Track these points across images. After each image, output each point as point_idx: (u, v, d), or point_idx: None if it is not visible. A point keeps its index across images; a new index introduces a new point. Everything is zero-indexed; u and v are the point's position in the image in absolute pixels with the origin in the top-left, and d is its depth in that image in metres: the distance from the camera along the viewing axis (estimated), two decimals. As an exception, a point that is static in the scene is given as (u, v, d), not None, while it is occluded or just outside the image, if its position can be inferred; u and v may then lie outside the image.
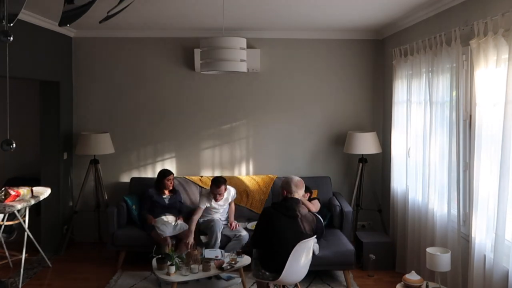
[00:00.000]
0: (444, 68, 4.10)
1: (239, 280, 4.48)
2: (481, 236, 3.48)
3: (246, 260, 4.38)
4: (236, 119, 6.13)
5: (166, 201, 5.39)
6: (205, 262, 4.17)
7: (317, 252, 4.58)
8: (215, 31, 5.63)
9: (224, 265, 4.22)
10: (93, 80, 6.09)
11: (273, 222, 3.79)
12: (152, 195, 5.37)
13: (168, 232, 5.04)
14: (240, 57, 3.80)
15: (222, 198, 5.17)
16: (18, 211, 4.85)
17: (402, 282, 3.90)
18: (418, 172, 4.71)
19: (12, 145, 2.26)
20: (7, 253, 5.19)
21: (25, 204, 4.58)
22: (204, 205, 5.16)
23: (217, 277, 4.52)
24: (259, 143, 6.15)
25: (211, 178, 5.83)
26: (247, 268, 4.41)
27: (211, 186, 5.15)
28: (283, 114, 6.12)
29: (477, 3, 3.68)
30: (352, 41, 6.07)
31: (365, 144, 5.63)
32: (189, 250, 4.33)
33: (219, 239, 4.92)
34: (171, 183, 5.43)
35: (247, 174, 6.14)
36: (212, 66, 3.79)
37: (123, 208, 5.38)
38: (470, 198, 3.67)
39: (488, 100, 3.38)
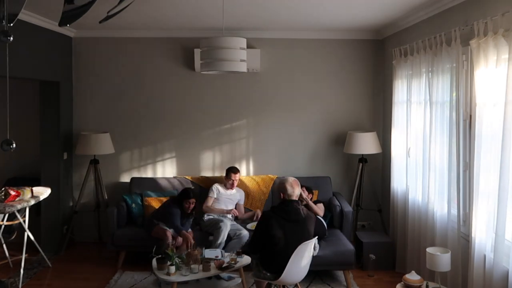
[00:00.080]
0: (444, 68, 4.10)
1: (239, 280, 4.47)
2: (481, 236, 3.48)
3: (246, 260, 4.38)
4: (236, 119, 6.13)
5: (185, 223, 5.14)
6: (205, 262, 4.17)
7: (316, 252, 4.58)
8: (215, 31, 5.63)
9: (224, 265, 4.22)
10: (93, 80, 6.09)
11: (272, 226, 3.76)
12: (177, 213, 5.04)
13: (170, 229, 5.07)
14: (240, 57, 3.80)
15: (234, 189, 5.53)
16: (18, 211, 4.85)
17: (402, 282, 3.89)
18: (418, 172, 4.71)
19: (12, 145, 2.26)
20: (7, 253, 5.19)
21: (25, 204, 4.58)
22: (214, 194, 5.48)
23: (217, 277, 4.51)
24: (259, 143, 6.15)
25: (211, 178, 5.89)
26: (247, 268, 4.41)
27: (226, 173, 5.54)
28: (283, 114, 6.12)
29: (477, 3, 3.68)
30: (352, 41, 6.07)
31: (365, 144, 5.63)
32: (189, 250, 4.32)
33: (224, 242, 4.94)
34: (189, 207, 5.07)
35: (247, 174, 6.14)
36: (212, 66, 3.79)
37: (123, 208, 5.38)
38: (470, 198, 3.67)
39: (488, 100, 3.38)
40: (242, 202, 5.61)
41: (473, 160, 3.55)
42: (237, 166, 6.04)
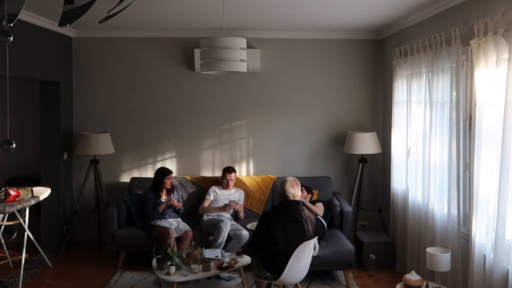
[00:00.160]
0: (444, 68, 4.10)
1: (239, 280, 4.47)
2: (481, 236, 3.48)
3: (246, 260, 4.38)
4: (236, 119, 6.13)
5: (165, 204, 5.34)
6: (205, 262, 4.17)
7: (316, 252, 4.58)
8: (215, 31, 5.63)
9: (224, 265, 4.22)
10: (93, 80, 6.09)
11: (273, 226, 3.77)
12: (152, 198, 5.29)
13: (172, 227, 5.07)
14: (240, 57, 3.80)
15: (231, 188, 5.54)
16: (18, 211, 4.85)
17: (402, 282, 3.89)
18: (418, 172, 4.71)
19: (12, 145, 2.26)
20: (7, 253, 5.19)
21: (25, 204, 4.58)
22: (210, 196, 5.51)
23: (217, 277, 4.51)
24: (259, 143, 6.15)
25: (211, 178, 5.89)
26: (247, 268, 4.41)
27: (223, 173, 5.56)
28: (283, 114, 6.12)
29: (477, 3, 3.68)
30: (352, 41, 6.07)
31: (365, 144, 5.63)
32: (189, 250, 4.32)
33: (224, 242, 4.94)
34: (171, 181, 5.39)
35: (247, 174, 6.14)
36: (212, 66, 3.79)
37: (123, 208, 5.38)
38: (470, 198, 3.67)
39: (488, 100, 3.38)
40: (242, 202, 5.61)
41: (473, 160, 3.55)
42: (237, 166, 6.05)
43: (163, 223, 5.16)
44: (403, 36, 5.30)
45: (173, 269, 4.05)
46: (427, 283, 3.78)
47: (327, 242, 4.89)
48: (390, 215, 5.54)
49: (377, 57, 6.09)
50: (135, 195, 5.65)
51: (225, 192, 5.55)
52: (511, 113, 3.08)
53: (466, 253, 3.72)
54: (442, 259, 3.72)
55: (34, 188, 4.88)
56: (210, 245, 4.92)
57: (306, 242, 3.74)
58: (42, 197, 4.87)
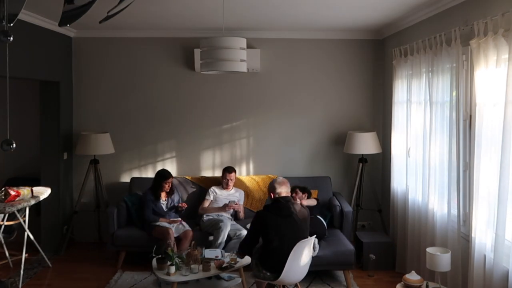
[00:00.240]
0: (444, 68, 4.10)
1: (239, 280, 4.47)
2: (481, 236, 3.48)
3: (246, 260, 4.38)
4: (236, 119, 6.13)
5: (164, 207, 5.33)
6: (205, 262, 4.17)
7: (316, 252, 4.58)
8: (215, 31, 5.63)
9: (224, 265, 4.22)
10: (93, 80, 6.09)
11: (267, 223, 3.80)
12: (151, 200, 5.27)
13: (172, 227, 5.07)
14: (240, 57, 3.80)
15: (231, 188, 5.54)
16: (18, 211, 4.85)
17: (402, 282, 3.89)
18: (418, 172, 4.71)
19: (12, 145, 2.26)
20: (7, 253, 5.19)
21: (25, 204, 4.58)
22: (210, 197, 5.50)
23: (217, 277, 4.51)
24: (259, 143, 6.15)
25: (211, 178, 5.89)
26: (247, 268, 4.41)
27: (222, 173, 5.57)
28: (283, 114, 6.12)
29: (477, 3, 3.68)
30: (352, 41, 6.07)
31: (365, 144, 5.63)
32: (189, 250, 4.32)
33: (224, 242, 4.94)
34: (169, 185, 5.36)
35: (247, 174, 6.14)
36: (212, 66, 3.79)
37: (123, 208, 5.38)
38: (470, 198, 3.67)
39: (488, 100, 3.39)
40: (242, 202, 5.61)
41: (473, 160, 3.55)
42: (237, 166, 6.04)
43: (163, 223, 5.16)
44: (403, 36, 5.30)
45: (173, 269, 4.05)
46: (427, 283, 3.78)
47: (327, 242, 4.89)
48: (390, 215, 5.54)
49: (377, 57, 6.09)
50: (135, 195, 5.65)
51: (225, 192, 5.55)
52: (511, 113, 3.08)
53: (466, 253, 3.72)
54: (442, 259, 3.72)
55: (34, 188, 4.88)
56: (210, 245, 4.93)
57: (303, 240, 3.75)
58: (42, 197, 4.86)
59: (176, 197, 5.48)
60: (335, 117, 6.12)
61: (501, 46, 3.18)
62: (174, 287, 4.09)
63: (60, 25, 2.62)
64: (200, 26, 5.57)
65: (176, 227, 5.14)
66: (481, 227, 3.48)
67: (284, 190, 3.96)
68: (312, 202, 5.26)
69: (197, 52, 5.76)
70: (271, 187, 4.01)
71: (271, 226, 3.79)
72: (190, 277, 4.07)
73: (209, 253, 4.47)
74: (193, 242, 4.50)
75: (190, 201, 5.70)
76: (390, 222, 5.54)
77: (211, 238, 5.03)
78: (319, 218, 4.98)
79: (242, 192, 5.68)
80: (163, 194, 5.35)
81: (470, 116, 3.72)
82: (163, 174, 5.35)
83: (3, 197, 4.52)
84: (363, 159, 5.81)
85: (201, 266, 4.16)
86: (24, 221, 5.03)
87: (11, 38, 2.16)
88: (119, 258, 5.23)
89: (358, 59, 6.10)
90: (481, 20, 3.41)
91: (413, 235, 4.75)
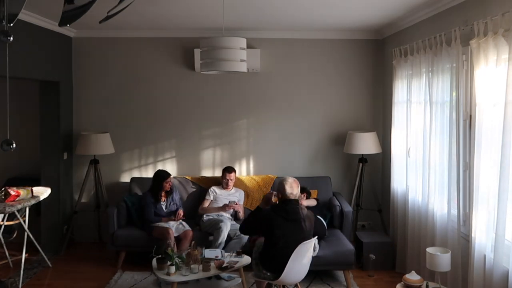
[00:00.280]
0: (444, 68, 4.10)
1: (239, 280, 4.47)
2: (481, 236, 3.48)
3: (246, 260, 4.38)
4: (236, 119, 6.13)
5: (164, 207, 5.33)
6: (205, 262, 4.17)
7: (316, 252, 4.58)
8: (215, 31, 5.63)
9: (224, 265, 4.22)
10: (93, 80, 6.09)
11: (273, 225, 3.77)
12: (151, 202, 5.27)
13: (172, 227, 5.07)
14: (240, 57, 3.80)
15: (231, 188, 5.55)
16: (18, 211, 4.85)
17: (402, 282, 3.89)
18: (418, 172, 4.71)
19: (12, 145, 2.26)
20: (7, 253, 5.19)
21: (25, 204, 4.58)
22: (210, 197, 5.50)
23: (217, 277, 4.51)
24: (259, 143, 6.15)
25: (211, 178, 5.89)
26: (247, 268, 4.41)
27: (222, 173, 5.57)
28: (283, 114, 6.12)
29: (477, 3, 3.68)
30: (352, 41, 6.07)
31: (365, 144, 5.63)
32: (189, 250, 4.32)
33: (224, 242, 4.94)
34: (170, 185, 5.37)
35: (247, 174, 6.14)
36: (212, 66, 3.79)
37: (123, 208, 5.38)
38: (470, 198, 3.67)
39: (488, 100, 3.39)
40: (242, 202, 5.61)
41: (473, 160, 3.55)
42: (237, 166, 6.05)
43: (163, 223, 5.16)
44: (403, 36, 5.30)
45: (173, 269, 4.05)
46: (427, 283, 3.78)
47: (327, 242, 4.89)
48: (390, 215, 5.54)
49: (377, 57, 6.09)
50: (135, 195, 5.65)
51: (225, 192, 5.55)
52: (511, 113, 3.08)
53: (466, 253, 3.72)
54: (442, 259, 3.72)
55: (34, 188, 4.88)
56: (210, 245, 4.93)
57: (305, 242, 3.75)
58: (42, 197, 4.87)
59: (176, 196, 5.48)
60: (335, 117, 6.12)
61: (501, 46, 3.18)
62: (174, 287, 4.09)
63: (60, 25, 2.62)
64: (200, 26, 5.57)
65: (176, 227, 5.14)
66: (481, 227, 3.48)
67: (294, 192, 3.87)
68: (312, 202, 5.26)
69: (197, 52, 5.76)
70: (281, 187, 3.88)
71: (276, 228, 3.76)
72: (190, 277, 4.07)
73: (209, 253, 4.47)
74: (193, 242, 4.50)
75: (190, 201, 5.72)
76: (390, 222, 5.54)
77: (211, 238, 5.04)
78: (319, 218, 4.98)
79: (242, 192, 5.68)
80: (162, 195, 5.35)
81: (470, 116, 3.72)
82: (162, 175, 5.35)
83: (3, 197, 4.52)
84: (363, 159, 5.81)
85: (201, 266, 4.16)
86: (24, 221, 5.03)
87: (11, 38, 2.16)
88: (119, 258, 5.23)
89: (358, 59, 6.10)
90: (481, 20, 3.41)
91: (413, 235, 4.75)
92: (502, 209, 3.17)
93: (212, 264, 4.22)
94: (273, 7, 4.62)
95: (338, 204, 5.38)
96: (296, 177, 4.19)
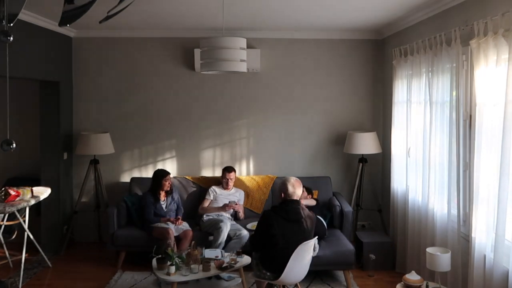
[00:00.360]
0: (444, 68, 4.10)
1: (239, 280, 4.47)
2: (481, 236, 3.48)
3: (246, 260, 4.38)
4: (236, 119, 6.13)
5: (164, 207, 5.33)
6: (205, 262, 4.17)
7: (316, 252, 4.57)
8: (215, 31, 5.63)
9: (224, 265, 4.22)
10: (93, 80, 6.09)
11: (273, 225, 3.77)
12: (151, 202, 5.27)
13: (171, 227, 5.07)
14: (240, 57, 3.80)
15: (231, 187, 5.55)
16: (18, 211, 4.85)
17: (402, 282, 3.89)
18: (418, 172, 4.71)
19: (12, 145, 2.26)
20: (7, 253, 5.19)
21: (25, 204, 4.58)
22: (210, 196, 5.50)
23: (217, 277, 4.51)
24: (259, 143, 6.15)
25: (211, 178, 5.89)
26: (247, 268, 4.41)
27: (222, 172, 5.57)
28: (283, 114, 6.12)
29: (477, 3, 3.68)
30: (352, 41, 6.07)
31: (365, 144, 5.63)
32: (189, 250, 4.32)
33: (224, 242, 4.94)
34: (169, 183, 5.38)
35: (247, 174, 6.14)
36: (212, 66, 3.79)
37: (123, 208, 5.38)
38: (470, 198, 3.67)
39: (488, 100, 3.39)
40: (242, 202, 5.61)
41: (473, 160, 3.55)
42: (237, 166, 6.05)
43: (163, 223, 5.16)
44: (403, 36, 5.30)
45: (173, 269, 4.05)
46: (427, 283, 3.78)
47: (327, 242, 4.89)
48: (390, 215, 5.54)
49: (377, 57, 6.09)
50: (135, 195, 5.65)
51: (225, 192, 5.55)
52: (511, 113, 3.08)
53: (466, 253, 3.72)
54: (442, 259, 3.72)
55: (34, 188, 4.88)
56: (210, 245, 4.92)
57: (305, 242, 3.75)
58: (42, 197, 4.87)
59: (176, 196, 5.48)
60: (335, 117, 6.13)
61: (501, 46, 3.18)
62: (174, 287, 4.09)
63: (60, 25, 2.62)
64: (200, 26, 5.57)
65: (176, 227, 5.14)
66: (481, 227, 3.48)
67: (296, 192, 3.87)
68: (311, 202, 5.26)
69: (197, 52, 5.76)
70: (283, 187, 3.89)
71: (277, 229, 3.76)
72: (190, 277, 4.07)
73: (209, 253, 4.47)
74: (193, 242, 4.50)
75: (190, 201, 5.72)
76: (390, 222, 5.54)
77: (211, 238, 5.03)
78: (319, 218, 4.98)
79: (242, 192, 5.68)
80: (162, 194, 5.35)
81: (470, 116, 3.72)
82: (161, 173, 5.35)
83: (3, 197, 4.52)
84: (363, 159, 5.81)
85: (201, 266, 4.16)
86: (24, 221, 5.03)
87: (11, 38, 2.16)
88: (119, 258, 5.23)
89: (358, 59, 6.10)
90: (481, 20, 3.41)
91: (413, 235, 4.75)
92: (502, 209, 3.17)
93: (212, 264, 4.22)
94: (273, 7, 4.62)
95: (338, 204, 5.38)
96: (296, 177, 4.19)
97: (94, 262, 5.45)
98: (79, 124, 6.10)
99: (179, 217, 5.28)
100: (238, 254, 4.43)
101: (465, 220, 3.87)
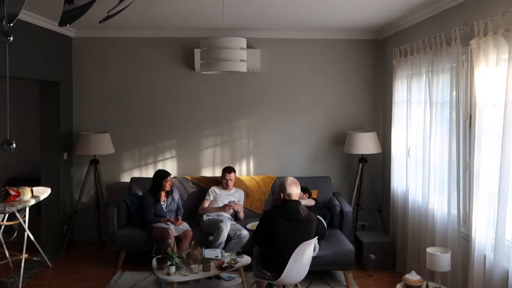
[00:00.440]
0: (444, 68, 4.11)
1: (239, 280, 4.47)
2: (481, 236, 3.48)
3: (246, 260, 4.38)
4: (236, 119, 6.13)
5: (164, 207, 5.33)
6: (205, 262, 4.17)
7: (316, 252, 4.57)
8: (215, 31, 5.63)
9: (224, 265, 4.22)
10: (93, 80, 6.09)
11: (273, 225, 3.78)
12: (151, 202, 5.27)
13: (172, 227, 5.07)
14: (240, 57, 3.80)
15: (231, 188, 5.54)
16: (18, 211, 4.85)
17: (402, 282, 3.89)
18: (418, 172, 4.71)
19: (12, 145, 2.26)
20: (7, 253, 5.19)
21: (25, 204, 4.58)
22: (210, 197, 5.50)
23: (217, 277, 4.52)
24: (259, 143, 6.15)
25: (211, 178, 5.89)
26: (247, 268, 4.41)
27: (222, 173, 5.56)
28: (283, 114, 6.12)
29: (477, 3, 3.68)
30: (352, 41, 6.07)
31: (365, 144, 5.63)
32: (189, 250, 4.32)
33: (224, 242, 4.94)
34: (170, 183, 5.37)
35: (247, 174, 6.14)
36: (212, 66, 3.79)
37: (123, 208, 5.38)
38: (470, 198, 3.67)
39: (488, 100, 3.39)
40: (242, 202, 5.61)
41: (473, 160, 3.55)
42: (237, 166, 6.05)
43: (163, 223, 5.16)
44: (403, 36, 5.30)
45: (173, 269, 4.05)
46: (427, 283, 3.78)
47: (327, 242, 4.89)
48: (390, 215, 5.54)
49: (377, 57, 6.09)
50: (135, 195, 5.65)
51: (225, 192, 5.55)
52: (511, 113, 3.08)
53: (466, 253, 3.72)
54: (442, 259, 3.72)
55: (34, 188, 4.89)
56: (210, 245, 4.93)
57: (306, 242, 3.75)
58: (42, 197, 4.87)
59: (176, 196, 5.48)
60: (335, 117, 6.13)
61: (501, 46, 3.18)
62: (174, 287, 4.09)
63: (60, 25, 2.62)
64: (200, 26, 5.57)
65: (176, 227, 5.14)
66: (481, 227, 3.48)
67: (294, 192, 3.89)
68: (310, 202, 5.25)
69: (197, 52, 5.76)
70: (282, 187, 3.92)
71: (277, 229, 3.77)
72: (190, 277, 4.07)
73: (209, 253, 4.47)
74: (193, 242, 4.50)
75: (190, 201, 5.72)
76: (390, 222, 5.54)
77: (211, 238, 5.04)
78: (319, 218, 4.98)
79: (242, 192, 5.68)
80: (162, 194, 5.35)
81: (470, 116, 3.72)
82: (162, 174, 5.35)
83: (3, 197, 4.52)
84: (363, 159, 5.81)
85: (201, 266, 4.16)
86: (24, 221, 5.03)
87: (11, 38, 2.16)
88: (119, 258, 5.23)
89: (358, 59, 6.10)
90: (481, 20, 3.41)
91: (413, 235, 4.75)
92: (502, 209, 3.17)
93: (212, 264, 4.22)
94: (273, 7, 4.62)
95: (338, 204, 5.38)
96: (296, 177, 4.20)
97: (94, 262, 5.45)
98: (79, 124, 6.10)
99: (179, 217, 5.28)
100: (238, 254, 4.43)
101: (465, 220, 3.87)
